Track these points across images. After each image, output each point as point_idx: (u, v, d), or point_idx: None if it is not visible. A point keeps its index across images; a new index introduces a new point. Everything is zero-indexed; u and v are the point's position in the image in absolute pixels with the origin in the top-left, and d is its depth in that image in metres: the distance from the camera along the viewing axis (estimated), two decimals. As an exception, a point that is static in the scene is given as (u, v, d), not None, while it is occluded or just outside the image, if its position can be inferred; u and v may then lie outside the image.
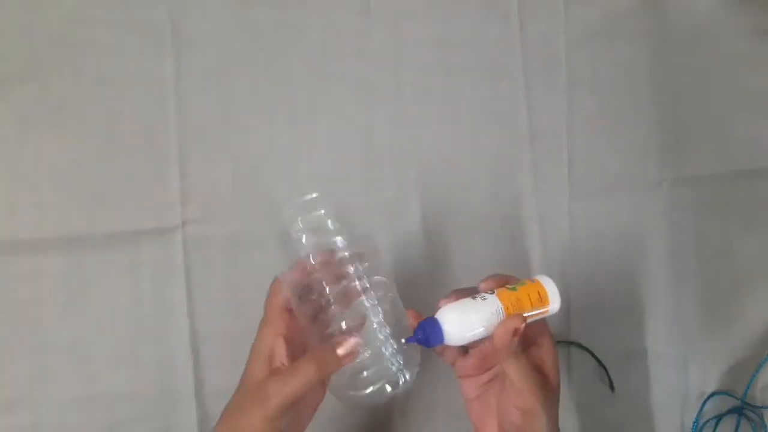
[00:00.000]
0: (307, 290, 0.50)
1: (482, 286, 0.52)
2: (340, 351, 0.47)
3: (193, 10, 0.66)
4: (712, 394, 0.79)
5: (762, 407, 0.81)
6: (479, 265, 0.73)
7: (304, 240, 0.50)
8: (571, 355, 0.76)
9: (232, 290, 0.66)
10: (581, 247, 0.76)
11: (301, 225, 0.50)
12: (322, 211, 0.51)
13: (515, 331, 0.48)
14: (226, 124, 0.67)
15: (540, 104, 0.75)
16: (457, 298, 0.50)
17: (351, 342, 0.47)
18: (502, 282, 0.52)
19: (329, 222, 0.51)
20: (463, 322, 0.48)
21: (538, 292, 0.51)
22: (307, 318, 0.50)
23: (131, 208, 0.64)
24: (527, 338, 0.51)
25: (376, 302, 0.49)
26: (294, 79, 0.69)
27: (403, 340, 0.49)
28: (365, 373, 0.48)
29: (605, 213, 0.77)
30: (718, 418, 0.79)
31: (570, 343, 0.76)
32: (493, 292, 0.50)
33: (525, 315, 0.49)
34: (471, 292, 0.51)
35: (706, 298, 0.80)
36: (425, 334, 0.48)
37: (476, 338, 0.49)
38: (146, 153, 0.65)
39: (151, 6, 0.65)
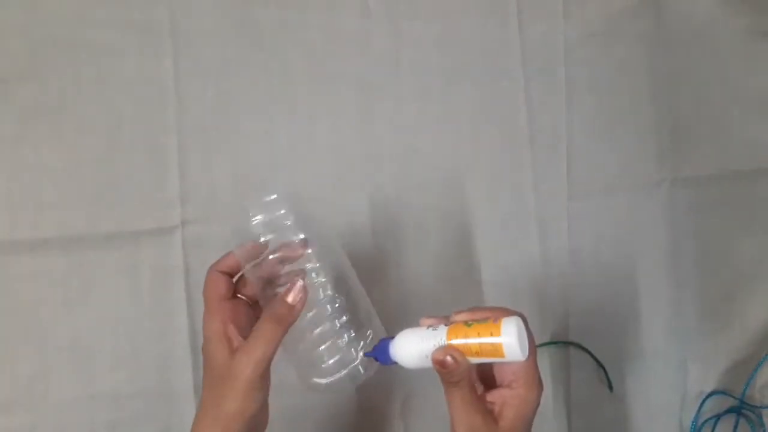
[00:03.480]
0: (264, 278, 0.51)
1: (452, 317, 0.50)
2: (290, 298, 0.48)
3: (193, 10, 0.66)
4: (710, 394, 0.80)
5: (760, 407, 0.81)
6: (478, 266, 0.73)
7: (262, 240, 0.51)
8: (570, 356, 0.76)
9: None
10: (580, 247, 0.76)
11: (260, 228, 0.51)
12: (282, 212, 0.52)
13: (440, 363, 0.47)
14: (226, 124, 0.67)
15: (539, 104, 0.75)
16: (431, 323, 0.50)
17: (297, 286, 0.49)
18: (471, 316, 0.49)
19: (288, 221, 0.52)
20: (408, 348, 0.49)
21: (491, 335, 0.47)
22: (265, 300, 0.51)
23: (131, 208, 0.64)
24: (495, 377, 0.50)
25: (330, 293, 0.51)
26: (294, 79, 0.69)
27: (362, 354, 0.51)
28: (328, 361, 0.50)
29: (604, 213, 0.77)
30: (717, 417, 0.79)
31: (569, 344, 0.76)
32: (446, 325, 0.49)
33: (473, 355, 0.47)
34: (441, 320, 0.50)
35: (705, 298, 0.80)
36: (376, 354, 0.50)
37: (422, 365, 0.49)
38: (146, 153, 0.65)
39: (151, 6, 0.65)
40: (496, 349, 0.46)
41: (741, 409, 0.80)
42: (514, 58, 0.75)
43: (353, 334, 0.51)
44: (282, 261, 0.51)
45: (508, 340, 0.46)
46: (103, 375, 0.63)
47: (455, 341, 0.47)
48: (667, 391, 0.80)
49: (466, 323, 0.48)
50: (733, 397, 0.80)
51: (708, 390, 0.80)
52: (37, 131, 0.62)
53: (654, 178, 0.79)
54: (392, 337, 0.50)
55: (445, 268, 0.73)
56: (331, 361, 0.50)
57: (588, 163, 0.77)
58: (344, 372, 0.50)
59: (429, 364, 0.48)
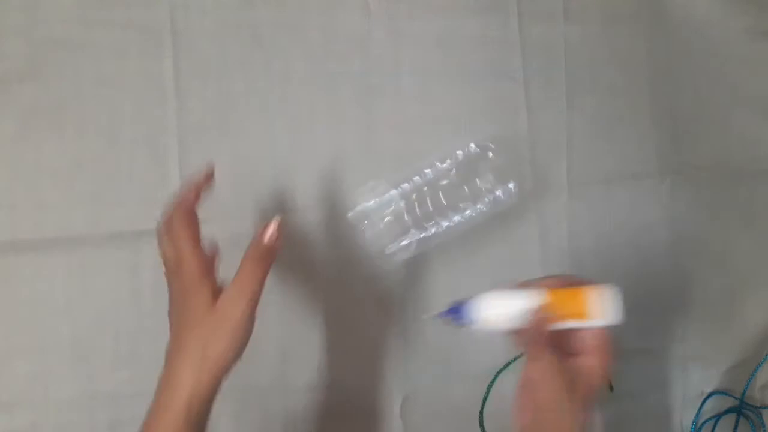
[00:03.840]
0: None
1: (540, 282, 0.51)
2: (265, 239, 0.50)
3: (193, 10, 0.66)
4: (710, 394, 0.80)
5: (761, 407, 0.81)
6: (479, 265, 0.73)
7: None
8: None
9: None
10: (580, 247, 0.76)
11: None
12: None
13: (540, 322, 0.48)
14: (226, 124, 0.67)
15: (539, 105, 0.75)
16: (512, 287, 0.51)
17: (271, 226, 0.50)
18: (560, 282, 0.51)
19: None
20: (498, 307, 0.49)
21: (588, 299, 0.49)
22: None
23: (131, 208, 0.64)
24: (576, 345, 0.51)
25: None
26: (294, 79, 0.69)
27: (434, 314, 0.51)
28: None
29: (605, 213, 0.77)
30: (717, 417, 0.79)
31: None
32: (539, 289, 0.50)
33: (559, 321, 0.49)
34: (527, 285, 0.51)
35: (705, 298, 0.80)
36: (451, 313, 0.50)
37: (505, 327, 0.50)
38: (146, 153, 0.65)
39: (151, 6, 0.65)
40: (592, 312, 0.48)
41: (741, 409, 0.80)
42: (515, 58, 0.75)
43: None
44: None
45: (607, 304, 0.48)
46: (103, 375, 0.63)
47: (553, 301, 0.48)
48: (668, 391, 0.79)
49: (559, 288, 0.49)
50: (734, 397, 0.80)
51: (708, 390, 0.80)
52: (37, 131, 0.62)
53: (654, 178, 0.79)
54: (466, 300, 0.50)
55: (445, 268, 0.73)
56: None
57: (588, 163, 0.77)
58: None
59: (512, 325, 0.49)
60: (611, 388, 0.77)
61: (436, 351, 0.72)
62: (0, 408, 0.61)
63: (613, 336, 0.49)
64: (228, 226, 0.66)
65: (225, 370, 0.48)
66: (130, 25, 0.65)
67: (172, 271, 0.50)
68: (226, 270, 0.66)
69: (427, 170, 0.52)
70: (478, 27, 0.74)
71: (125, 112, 0.64)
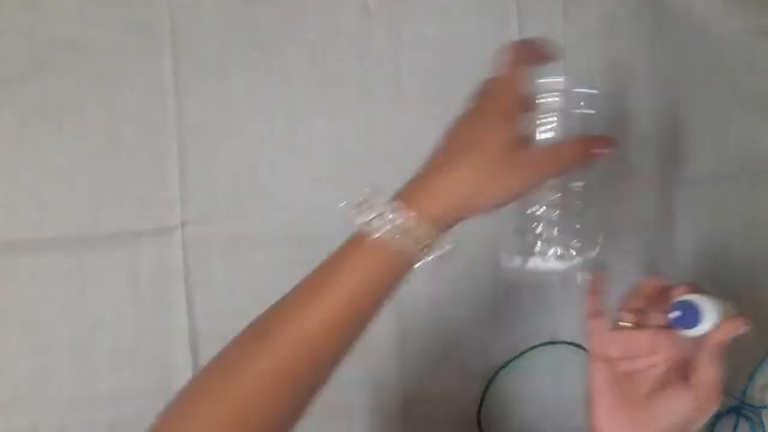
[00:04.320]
0: None
1: (682, 289, 0.50)
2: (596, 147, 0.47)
3: (193, 9, 0.66)
4: (711, 394, 0.79)
5: (760, 407, 0.81)
6: (479, 266, 0.73)
7: None
8: (571, 356, 0.76)
9: (232, 290, 0.66)
10: (580, 248, 0.76)
11: None
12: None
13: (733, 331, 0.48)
14: (226, 124, 0.67)
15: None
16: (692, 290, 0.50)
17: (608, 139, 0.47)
18: (694, 290, 0.50)
19: None
20: (717, 311, 0.49)
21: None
22: None
23: (131, 209, 0.64)
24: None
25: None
26: (294, 79, 0.69)
27: (670, 316, 0.49)
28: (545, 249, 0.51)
29: (604, 213, 0.77)
30: (717, 417, 0.79)
31: (569, 344, 0.76)
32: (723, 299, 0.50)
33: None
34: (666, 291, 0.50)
35: (705, 298, 0.80)
36: (685, 320, 0.48)
37: (704, 333, 0.49)
38: (146, 153, 0.65)
39: (151, 6, 0.65)
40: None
41: (741, 409, 0.80)
42: (515, 58, 0.75)
43: (580, 244, 0.51)
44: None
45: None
46: (103, 375, 0.63)
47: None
48: (668, 391, 0.79)
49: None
50: (733, 397, 0.80)
51: (708, 390, 0.80)
52: (37, 131, 0.62)
53: (653, 179, 0.79)
54: (686, 301, 0.49)
55: (446, 269, 0.73)
56: (548, 251, 0.50)
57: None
58: (552, 265, 0.50)
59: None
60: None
61: (435, 350, 0.72)
62: (0, 408, 0.61)
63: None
64: (228, 226, 0.67)
65: (466, 212, 0.44)
66: (130, 25, 0.65)
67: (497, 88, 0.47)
68: (228, 270, 0.66)
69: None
70: (477, 27, 0.74)
71: (125, 112, 0.64)
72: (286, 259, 0.67)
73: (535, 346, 0.75)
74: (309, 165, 0.69)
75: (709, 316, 0.48)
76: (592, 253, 0.51)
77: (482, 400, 0.73)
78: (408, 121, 0.72)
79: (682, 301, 0.49)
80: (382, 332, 0.71)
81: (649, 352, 0.49)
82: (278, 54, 0.69)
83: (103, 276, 0.63)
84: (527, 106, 0.46)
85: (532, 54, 0.48)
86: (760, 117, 0.82)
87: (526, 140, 0.45)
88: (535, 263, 0.50)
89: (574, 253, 0.50)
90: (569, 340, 0.76)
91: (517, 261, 0.50)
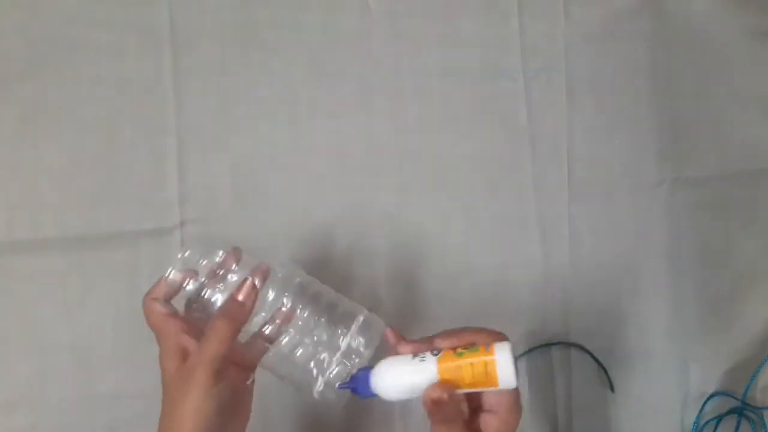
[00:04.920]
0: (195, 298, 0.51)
1: (436, 341, 0.49)
2: (240, 296, 0.49)
3: (192, 10, 0.66)
4: (712, 395, 0.79)
5: (762, 408, 0.81)
6: (479, 267, 0.73)
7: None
8: (571, 357, 0.76)
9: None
10: (581, 248, 0.76)
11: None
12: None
13: (435, 401, 0.46)
14: (226, 124, 0.67)
15: (540, 104, 0.75)
16: (413, 350, 0.48)
17: (247, 284, 0.49)
18: (457, 342, 0.48)
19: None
20: (393, 381, 0.47)
21: (486, 366, 0.45)
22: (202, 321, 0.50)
23: (130, 209, 0.64)
24: (480, 403, 0.49)
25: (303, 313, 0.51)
26: (294, 79, 0.69)
27: (336, 385, 0.49)
28: (323, 372, 0.49)
29: (605, 214, 0.77)
30: (719, 418, 0.79)
31: (570, 345, 0.75)
32: (437, 353, 0.47)
33: (464, 387, 0.46)
34: (427, 346, 0.49)
35: (706, 299, 0.80)
36: (356, 386, 0.48)
37: (406, 398, 0.48)
38: (145, 153, 0.65)
39: (151, 6, 0.65)
40: (491, 380, 0.45)
41: (743, 410, 0.80)
42: (515, 58, 0.75)
43: (339, 332, 0.50)
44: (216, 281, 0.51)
45: (504, 371, 0.45)
46: (103, 375, 0.63)
47: (447, 374, 0.46)
48: (669, 392, 0.79)
49: (456, 352, 0.46)
50: (735, 398, 0.80)
51: (709, 391, 0.80)
52: (37, 131, 0.63)
53: (654, 179, 0.79)
54: (370, 367, 0.48)
55: (445, 269, 0.73)
56: (328, 371, 0.49)
57: (588, 163, 0.77)
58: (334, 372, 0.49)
59: (416, 396, 0.47)
60: (612, 389, 0.77)
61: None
62: (0, 408, 0.61)
63: (517, 391, 0.48)
64: (228, 226, 0.67)
65: (203, 422, 0.46)
66: (130, 25, 0.65)
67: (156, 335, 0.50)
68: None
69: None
70: (478, 27, 0.74)
71: (125, 112, 0.65)
72: (286, 259, 0.67)
73: (534, 348, 0.74)
74: (309, 165, 0.69)
75: (383, 385, 0.47)
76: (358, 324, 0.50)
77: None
78: (408, 121, 0.72)
79: (360, 371, 0.48)
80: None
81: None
82: (278, 54, 0.69)
83: (103, 276, 0.63)
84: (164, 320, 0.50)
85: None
86: (760, 117, 0.82)
87: (182, 354, 0.48)
88: (339, 375, 0.49)
89: (362, 347, 0.50)
90: (570, 340, 0.76)
91: (324, 388, 0.49)
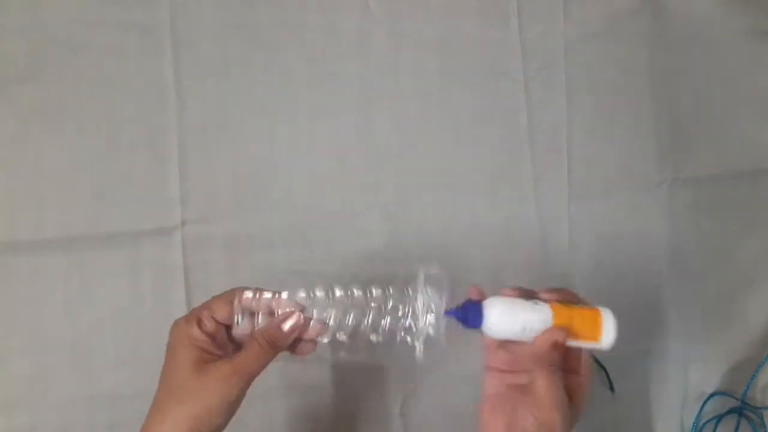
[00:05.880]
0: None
1: (542, 294, 0.51)
2: (286, 326, 0.49)
3: (193, 10, 0.66)
4: (712, 395, 0.79)
5: (762, 408, 0.81)
6: (478, 267, 0.73)
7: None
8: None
9: (232, 290, 0.66)
10: (581, 248, 0.76)
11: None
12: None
13: (555, 344, 0.48)
14: (226, 125, 0.67)
15: (539, 105, 0.75)
16: (518, 294, 0.50)
17: (296, 317, 0.49)
18: (564, 297, 0.51)
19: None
20: (506, 317, 0.49)
21: (594, 321, 0.49)
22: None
23: (131, 209, 0.64)
24: (569, 364, 0.51)
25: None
26: (294, 79, 0.69)
27: (443, 311, 0.50)
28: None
29: (605, 214, 0.77)
30: (718, 418, 0.79)
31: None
32: (547, 303, 0.50)
33: (571, 338, 0.49)
34: (530, 295, 0.51)
35: (705, 299, 0.80)
36: (465, 314, 0.49)
37: (514, 338, 0.49)
38: (146, 153, 0.65)
39: (151, 6, 0.65)
40: (596, 333, 0.48)
41: (742, 410, 0.80)
42: (515, 59, 0.75)
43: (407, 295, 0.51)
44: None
45: (609, 326, 0.48)
46: (103, 375, 0.63)
47: (560, 320, 0.48)
48: (668, 391, 0.79)
49: (566, 305, 0.49)
50: (735, 398, 0.80)
51: (709, 391, 0.80)
52: (37, 131, 0.62)
53: (654, 179, 0.79)
54: (478, 302, 0.49)
55: (445, 270, 0.73)
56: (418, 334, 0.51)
57: (588, 163, 0.77)
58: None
59: (525, 337, 0.49)
60: (612, 389, 0.77)
61: (436, 350, 0.72)
62: (0, 408, 0.61)
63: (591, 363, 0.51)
64: (228, 226, 0.67)
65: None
66: (130, 25, 0.65)
67: (176, 322, 0.50)
68: (228, 270, 0.66)
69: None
70: (478, 27, 0.74)
71: (125, 112, 0.64)
72: (286, 259, 0.67)
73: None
74: (309, 165, 0.69)
75: (494, 317, 0.48)
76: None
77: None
78: (408, 121, 0.72)
79: (469, 301, 0.50)
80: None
81: (526, 369, 0.51)
82: (278, 54, 0.69)
83: (103, 276, 0.63)
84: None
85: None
86: (760, 117, 0.82)
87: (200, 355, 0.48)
88: (430, 332, 0.51)
89: (435, 297, 0.51)
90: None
91: (422, 351, 0.51)
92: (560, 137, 0.76)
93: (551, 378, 0.49)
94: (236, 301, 0.50)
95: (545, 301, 0.50)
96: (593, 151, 0.77)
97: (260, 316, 0.51)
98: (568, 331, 0.48)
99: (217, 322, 0.49)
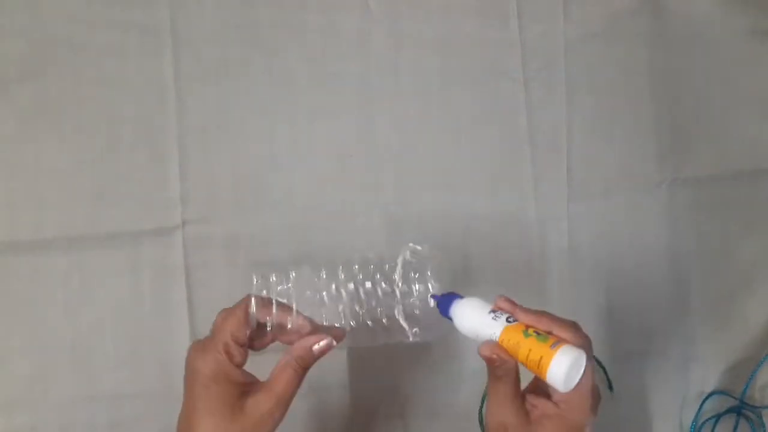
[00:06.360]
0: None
1: (518, 314, 0.50)
2: (316, 348, 0.49)
3: (193, 10, 0.66)
4: (710, 394, 0.80)
5: (761, 407, 0.81)
6: (478, 268, 0.73)
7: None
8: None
9: (232, 290, 0.66)
10: (580, 249, 0.76)
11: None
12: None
13: (487, 359, 0.48)
14: (226, 124, 0.67)
15: (539, 105, 0.75)
16: (509, 308, 0.50)
17: (326, 340, 0.49)
18: (535, 322, 0.49)
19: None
20: (465, 319, 0.50)
21: (541, 360, 0.46)
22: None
23: (131, 209, 0.64)
24: (537, 384, 0.50)
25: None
26: (294, 79, 0.69)
27: (431, 295, 0.52)
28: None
29: (604, 214, 0.77)
30: (717, 417, 0.79)
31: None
32: (512, 321, 0.49)
33: (523, 362, 0.48)
34: (510, 308, 0.50)
35: (705, 299, 0.80)
36: (441, 302, 0.52)
37: (473, 338, 0.50)
38: (146, 153, 0.65)
39: (151, 6, 0.65)
40: (541, 372, 0.46)
41: (741, 409, 0.80)
42: (514, 58, 0.75)
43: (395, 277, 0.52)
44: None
45: (554, 373, 0.45)
46: (103, 375, 0.63)
47: (506, 343, 0.48)
48: (667, 391, 0.79)
49: (525, 331, 0.48)
50: (733, 397, 0.80)
51: (708, 390, 0.80)
52: (37, 131, 0.62)
53: (654, 178, 0.79)
54: (461, 296, 0.51)
55: (444, 270, 0.73)
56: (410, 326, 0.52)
57: (588, 163, 0.77)
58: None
59: (477, 341, 0.49)
60: (611, 388, 0.77)
61: (436, 350, 0.72)
62: (0, 408, 0.61)
63: (589, 394, 0.48)
64: (228, 226, 0.67)
65: None
66: (130, 25, 0.65)
67: (200, 350, 0.48)
68: (228, 270, 0.66)
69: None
70: (478, 27, 0.74)
71: (125, 112, 0.64)
72: (286, 259, 0.67)
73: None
74: (309, 165, 0.69)
75: (457, 315, 0.50)
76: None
77: (483, 399, 0.73)
78: (408, 121, 0.72)
79: (451, 294, 0.52)
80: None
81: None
82: (278, 54, 0.69)
83: (104, 276, 0.63)
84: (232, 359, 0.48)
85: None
86: (760, 117, 0.82)
87: (240, 392, 0.47)
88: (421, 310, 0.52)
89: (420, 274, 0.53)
90: (569, 340, 0.76)
91: (416, 334, 0.53)
92: (560, 137, 0.76)
93: (495, 388, 0.49)
94: (251, 316, 0.49)
95: (511, 320, 0.49)
96: (593, 151, 0.77)
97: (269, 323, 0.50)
98: (515, 355, 0.47)
99: (241, 346, 0.48)
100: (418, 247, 0.53)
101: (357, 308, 0.52)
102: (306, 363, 0.49)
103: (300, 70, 0.69)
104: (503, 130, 0.75)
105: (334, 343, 0.50)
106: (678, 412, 0.80)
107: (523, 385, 0.51)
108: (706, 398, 0.79)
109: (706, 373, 0.80)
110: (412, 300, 0.52)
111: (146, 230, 0.64)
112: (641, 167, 0.79)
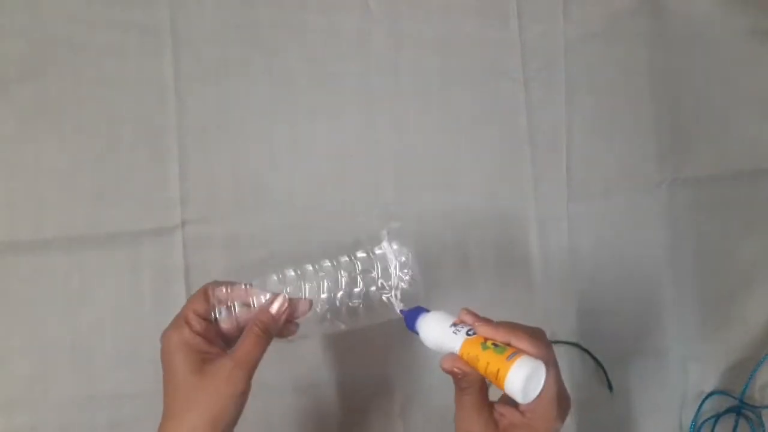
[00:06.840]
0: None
1: (477, 326, 0.50)
2: (273, 308, 0.51)
3: (193, 10, 0.66)
4: (710, 394, 0.80)
5: (760, 407, 0.81)
6: (478, 268, 0.73)
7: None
8: (570, 356, 0.76)
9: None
10: (580, 249, 0.76)
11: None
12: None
13: (448, 371, 0.49)
14: (226, 124, 0.67)
15: (539, 105, 0.75)
16: (472, 320, 0.50)
17: (280, 298, 0.51)
18: (493, 334, 0.48)
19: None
20: (429, 333, 0.51)
21: (498, 372, 0.45)
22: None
23: (131, 209, 0.64)
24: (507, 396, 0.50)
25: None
26: (294, 79, 0.69)
27: (399, 309, 0.54)
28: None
29: (604, 214, 0.77)
30: (716, 417, 0.79)
31: (568, 344, 0.76)
32: (472, 334, 0.49)
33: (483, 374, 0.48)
34: (471, 320, 0.50)
35: (704, 299, 0.80)
36: (407, 318, 0.53)
37: (437, 351, 0.51)
38: (146, 153, 0.65)
39: (151, 6, 0.65)
40: (500, 384, 0.46)
41: (741, 409, 0.81)
42: (514, 58, 0.75)
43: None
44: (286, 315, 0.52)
45: (512, 384, 0.45)
46: (103, 375, 0.63)
47: (466, 356, 0.48)
48: (667, 391, 0.80)
49: (484, 343, 0.48)
50: (733, 397, 0.80)
51: (708, 390, 0.80)
52: (37, 131, 0.62)
53: (654, 178, 0.79)
54: (427, 310, 0.52)
55: (444, 269, 0.73)
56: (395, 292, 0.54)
57: (588, 163, 0.77)
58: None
59: (441, 354, 0.50)
60: (610, 388, 0.77)
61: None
62: (0, 408, 0.61)
63: (553, 403, 0.47)
64: (228, 226, 0.67)
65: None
66: (130, 25, 0.65)
67: (168, 328, 0.50)
68: (228, 270, 0.66)
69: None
70: (478, 27, 0.74)
71: (125, 112, 0.64)
72: (286, 259, 0.67)
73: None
74: (309, 165, 0.69)
75: (423, 329, 0.51)
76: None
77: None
78: (408, 121, 0.72)
79: (417, 308, 0.53)
80: (380, 334, 0.71)
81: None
82: (278, 54, 0.69)
83: (104, 276, 0.63)
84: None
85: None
86: (760, 117, 0.82)
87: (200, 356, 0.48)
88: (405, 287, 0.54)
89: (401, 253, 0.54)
90: (569, 339, 0.76)
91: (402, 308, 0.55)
92: (560, 137, 0.76)
93: (459, 397, 0.50)
94: (211, 295, 0.51)
95: (471, 332, 0.49)
96: (593, 151, 0.77)
97: (236, 306, 0.52)
98: (479, 370, 0.47)
99: (203, 319, 0.50)
100: (396, 225, 0.55)
101: (338, 288, 0.53)
102: (265, 325, 0.50)
103: (300, 70, 0.69)
104: (503, 130, 0.75)
105: (287, 300, 0.51)
106: (677, 411, 0.80)
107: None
108: (706, 398, 0.79)
109: (706, 373, 0.80)
110: (393, 274, 0.54)
111: (146, 230, 0.64)
112: (641, 167, 0.79)
